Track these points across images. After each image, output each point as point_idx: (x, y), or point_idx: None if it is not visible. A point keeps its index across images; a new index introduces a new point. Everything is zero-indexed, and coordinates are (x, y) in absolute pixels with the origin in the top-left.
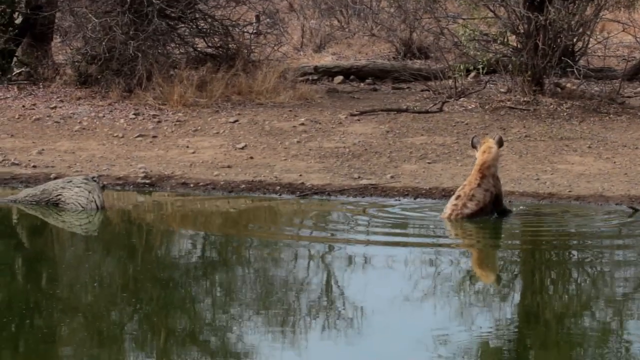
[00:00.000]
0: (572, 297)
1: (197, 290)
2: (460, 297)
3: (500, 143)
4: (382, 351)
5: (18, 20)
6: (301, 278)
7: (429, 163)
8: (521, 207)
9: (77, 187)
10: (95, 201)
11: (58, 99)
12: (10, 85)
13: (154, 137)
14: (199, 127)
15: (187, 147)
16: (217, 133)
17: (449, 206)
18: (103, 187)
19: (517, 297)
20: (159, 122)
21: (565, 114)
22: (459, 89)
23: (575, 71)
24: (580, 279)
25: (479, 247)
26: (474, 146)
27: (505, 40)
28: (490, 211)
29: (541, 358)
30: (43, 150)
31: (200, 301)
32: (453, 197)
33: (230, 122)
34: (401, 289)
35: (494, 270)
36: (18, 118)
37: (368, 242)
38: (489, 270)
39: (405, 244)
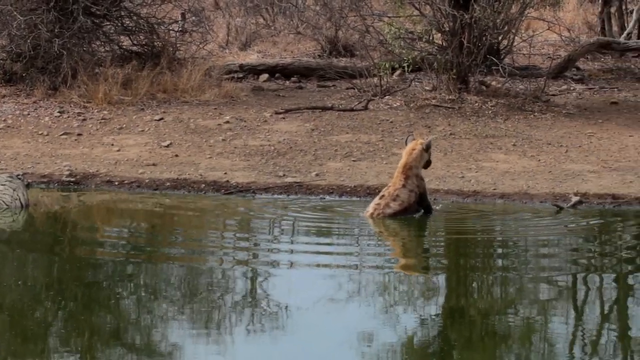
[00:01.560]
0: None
1: (119, 290)
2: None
3: (427, 147)
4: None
5: None
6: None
7: (354, 161)
8: (440, 206)
9: (2, 185)
10: (19, 199)
11: None
12: None
13: (79, 135)
14: (124, 125)
15: (112, 145)
16: (142, 131)
17: (372, 205)
18: (28, 185)
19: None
20: (84, 120)
21: (490, 112)
22: (384, 87)
23: (501, 69)
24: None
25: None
26: (407, 145)
27: (431, 38)
28: (415, 210)
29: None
30: None
31: (121, 300)
32: (377, 197)
33: (155, 120)
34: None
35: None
36: None
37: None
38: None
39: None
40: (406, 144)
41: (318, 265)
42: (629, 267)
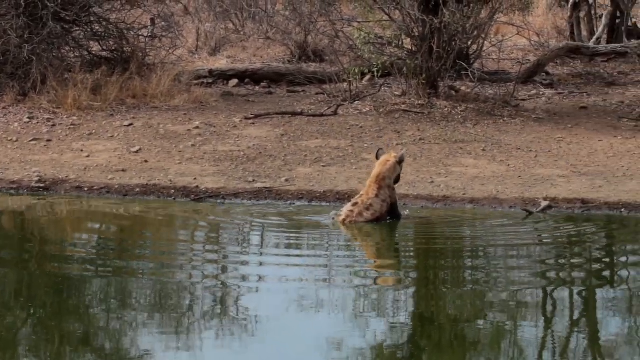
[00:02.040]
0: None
1: (86, 295)
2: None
3: (401, 160)
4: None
5: None
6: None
7: (323, 166)
8: (407, 212)
9: None
10: None
11: None
12: None
13: (49, 140)
14: (94, 131)
15: (82, 150)
16: (112, 137)
17: (345, 211)
18: None
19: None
20: (53, 125)
21: (459, 117)
22: (354, 92)
23: (470, 74)
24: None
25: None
26: (377, 158)
27: (400, 43)
28: (385, 219)
29: None
30: None
31: (88, 307)
32: (350, 203)
33: (124, 125)
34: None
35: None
36: None
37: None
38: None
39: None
40: (377, 157)
41: (287, 280)
42: (601, 278)
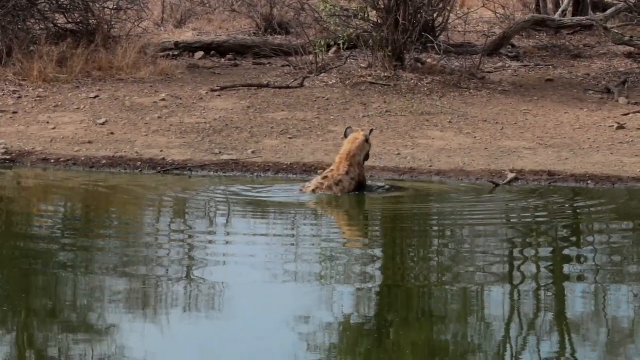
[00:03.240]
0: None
1: (53, 267)
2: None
3: (367, 137)
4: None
5: None
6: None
7: (290, 138)
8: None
9: None
10: None
11: None
12: None
13: (15, 112)
14: (60, 103)
15: (48, 122)
16: (78, 109)
17: (314, 182)
18: None
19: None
20: (19, 97)
21: (425, 89)
22: (320, 64)
23: (436, 47)
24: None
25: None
26: (346, 137)
27: (366, 15)
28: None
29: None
30: None
31: (55, 280)
32: (320, 176)
33: (90, 97)
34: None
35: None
36: None
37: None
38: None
39: None
40: (346, 136)
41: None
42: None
